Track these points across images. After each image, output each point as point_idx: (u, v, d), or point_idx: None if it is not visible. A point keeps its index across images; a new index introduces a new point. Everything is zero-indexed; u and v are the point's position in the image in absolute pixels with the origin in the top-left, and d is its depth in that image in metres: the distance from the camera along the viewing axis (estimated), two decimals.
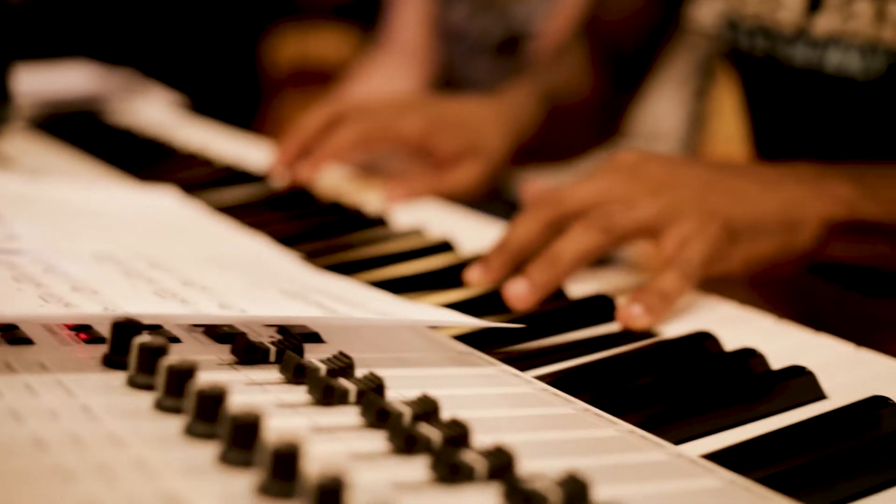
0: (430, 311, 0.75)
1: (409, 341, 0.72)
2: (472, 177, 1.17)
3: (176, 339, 0.66)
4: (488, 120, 1.21)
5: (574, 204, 0.85)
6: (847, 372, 0.70)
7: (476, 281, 0.85)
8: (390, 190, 1.11)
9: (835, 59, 1.08)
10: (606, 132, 1.48)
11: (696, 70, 2.34)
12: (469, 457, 0.51)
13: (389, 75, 2.35)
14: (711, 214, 0.82)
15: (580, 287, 0.86)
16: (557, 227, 0.84)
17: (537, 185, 0.95)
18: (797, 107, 1.16)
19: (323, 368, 0.60)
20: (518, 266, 0.84)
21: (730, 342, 0.74)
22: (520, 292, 0.80)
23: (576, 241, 0.82)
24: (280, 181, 1.13)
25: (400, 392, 0.60)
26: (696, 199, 0.83)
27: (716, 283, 1.31)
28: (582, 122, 1.42)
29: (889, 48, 1.04)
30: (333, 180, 1.21)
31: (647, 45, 1.42)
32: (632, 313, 0.77)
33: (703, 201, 0.83)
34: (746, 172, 0.89)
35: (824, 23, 1.08)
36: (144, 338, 0.59)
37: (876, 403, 0.64)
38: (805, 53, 1.11)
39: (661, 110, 2.29)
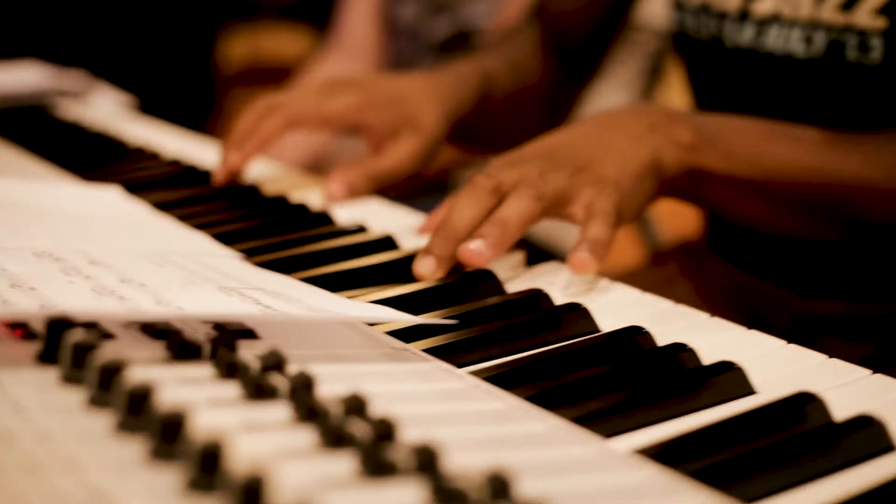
0: (365, 307, 0.76)
1: (343, 337, 0.72)
2: (408, 153, 1.16)
3: (111, 336, 0.67)
4: (422, 94, 1.20)
5: (507, 185, 0.89)
6: (777, 367, 0.71)
7: (427, 275, 0.85)
8: (328, 188, 1.11)
9: (777, 40, 1.10)
10: (554, 120, 1.49)
11: (643, 69, 2.35)
12: (395, 452, 0.51)
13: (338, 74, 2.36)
14: (603, 179, 0.91)
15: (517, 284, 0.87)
16: (492, 210, 0.89)
17: (434, 217, 0.99)
18: (741, 88, 1.17)
19: (255, 364, 0.61)
20: None
21: (663, 338, 0.75)
22: (479, 249, 0.84)
23: (519, 208, 0.87)
24: (218, 177, 1.13)
25: (332, 388, 0.60)
26: (586, 169, 0.91)
27: (654, 283, 1.33)
28: (529, 108, 1.43)
29: (829, 26, 1.05)
30: (280, 178, 1.21)
31: (594, 39, 1.42)
32: (584, 260, 0.84)
33: (592, 170, 0.92)
34: (610, 127, 0.98)
35: (766, 4, 1.10)
36: (77, 334, 0.60)
37: (803, 399, 0.65)
38: (748, 34, 1.12)
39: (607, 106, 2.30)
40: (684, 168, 0.97)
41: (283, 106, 1.13)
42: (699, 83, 1.27)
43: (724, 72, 1.19)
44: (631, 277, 1.36)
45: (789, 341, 0.75)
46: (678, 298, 1.25)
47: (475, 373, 0.69)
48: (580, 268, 0.84)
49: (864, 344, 1.16)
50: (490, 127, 1.36)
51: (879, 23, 1.02)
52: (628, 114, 0.99)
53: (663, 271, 1.36)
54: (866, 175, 1.00)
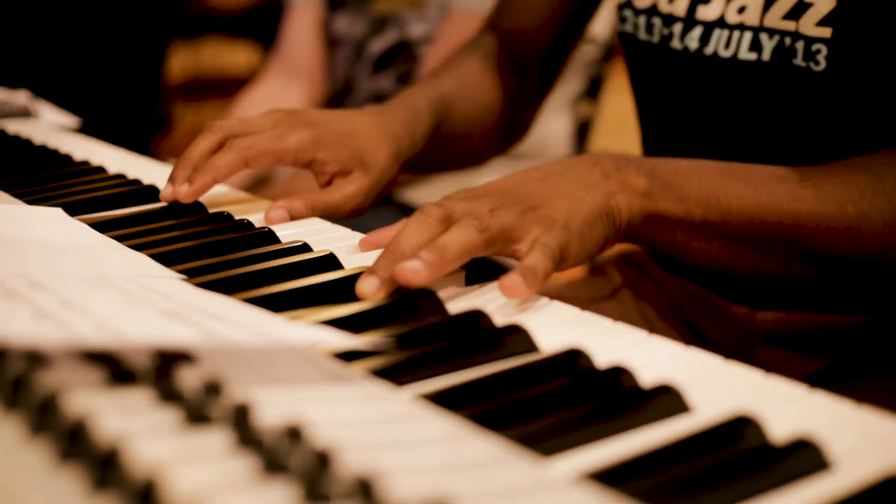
0: (306, 330, 0.75)
1: (285, 359, 0.72)
2: (356, 191, 1.17)
3: (51, 360, 0.66)
4: (374, 133, 1.20)
5: (456, 215, 0.91)
6: (715, 385, 0.72)
7: (370, 294, 0.86)
8: (268, 214, 1.12)
9: (725, 44, 1.12)
10: (514, 133, 1.50)
11: (582, 78, 2.37)
12: (336, 480, 0.51)
13: (278, 96, 2.36)
14: (551, 220, 0.92)
15: (458, 304, 0.87)
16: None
17: (375, 234, 1.02)
18: (688, 92, 1.19)
19: (195, 389, 0.61)
20: None
21: (602, 357, 0.75)
22: (414, 268, 0.84)
23: (462, 236, 0.88)
24: (164, 200, 1.13)
25: (273, 413, 0.60)
26: (536, 209, 0.93)
27: (597, 294, 1.33)
28: (486, 127, 1.43)
29: (777, 32, 1.07)
30: (223, 196, 1.21)
31: (551, 55, 1.43)
32: (515, 283, 0.84)
33: (542, 211, 0.93)
34: (564, 172, 0.98)
35: (714, 8, 1.12)
36: (16, 361, 0.60)
37: (739, 421, 0.65)
38: (696, 38, 1.14)
39: (547, 125, 2.32)
40: (639, 214, 0.98)
41: (237, 141, 1.12)
42: (644, 86, 1.29)
43: (671, 75, 1.20)
44: (574, 288, 1.37)
45: (733, 353, 0.76)
46: (621, 309, 1.26)
47: (417, 394, 0.69)
48: (509, 291, 0.84)
49: (812, 356, 1.18)
50: (442, 153, 1.37)
51: (824, 32, 1.04)
52: (582, 161, 0.99)
53: (606, 282, 1.37)
54: (820, 211, 1.00)
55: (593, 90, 2.45)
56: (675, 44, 1.17)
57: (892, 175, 1.01)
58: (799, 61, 1.07)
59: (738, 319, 1.21)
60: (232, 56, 5.34)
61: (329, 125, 1.18)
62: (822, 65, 1.05)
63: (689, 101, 1.20)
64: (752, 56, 1.10)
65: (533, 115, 1.50)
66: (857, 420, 0.67)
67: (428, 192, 2.20)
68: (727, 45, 1.12)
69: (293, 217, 1.12)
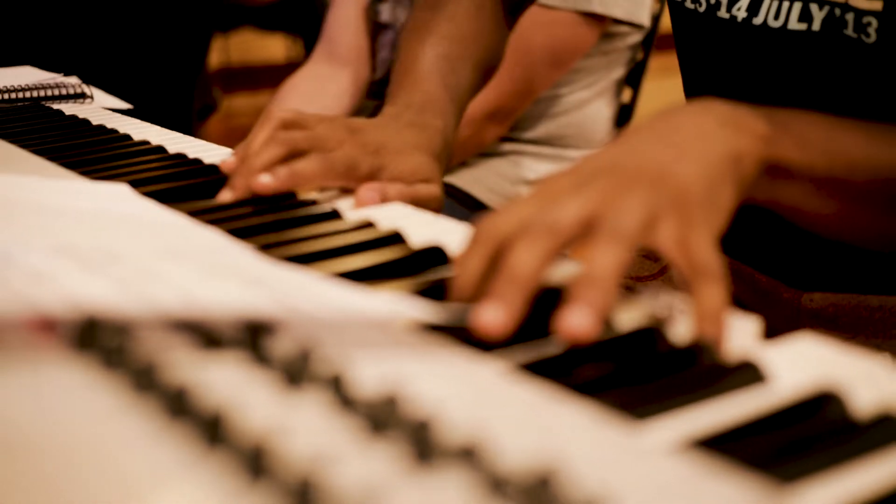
0: (389, 301, 0.76)
1: (367, 330, 0.72)
2: (438, 193, 1.16)
3: (139, 330, 0.67)
4: (423, 154, 1.18)
5: (567, 219, 0.74)
6: (792, 359, 0.72)
7: (493, 329, 0.72)
8: (360, 194, 1.10)
9: (774, 13, 1.11)
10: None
11: (624, 61, 2.37)
12: (439, 441, 0.52)
13: (323, 81, 2.38)
14: (686, 201, 0.75)
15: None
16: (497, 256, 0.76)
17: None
18: (737, 62, 1.18)
19: (287, 356, 0.61)
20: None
21: (677, 332, 0.75)
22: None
23: (528, 251, 0.72)
24: (237, 193, 1.10)
25: (369, 377, 0.61)
26: (661, 182, 0.76)
27: (644, 274, 1.33)
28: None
29: (826, 2, 1.07)
30: None
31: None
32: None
33: (668, 183, 0.76)
34: (677, 127, 0.82)
35: None
36: (107, 332, 0.60)
37: (822, 395, 0.66)
38: (745, 7, 1.14)
39: (590, 111, 2.33)
40: (762, 163, 0.83)
41: (314, 155, 1.10)
42: (690, 57, 1.28)
43: (718, 45, 1.19)
44: None
45: (778, 334, 0.76)
46: (668, 288, 1.25)
47: (505, 364, 0.69)
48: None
49: (858, 338, 1.17)
50: None
51: (875, 5, 1.04)
52: (692, 111, 0.85)
53: (653, 261, 1.37)
54: None
55: (634, 78, 2.45)
56: (723, 13, 1.17)
57: None
58: (850, 32, 1.06)
59: (785, 300, 1.20)
60: (264, 47, 5.36)
61: (387, 151, 1.16)
62: (873, 37, 1.05)
63: (736, 71, 1.19)
64: (802, 26, 1.10)
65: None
66: None
67: (471, 177, 2.21)
68: (777, 14, 1.12)
69: (384, 201, 1.10)
